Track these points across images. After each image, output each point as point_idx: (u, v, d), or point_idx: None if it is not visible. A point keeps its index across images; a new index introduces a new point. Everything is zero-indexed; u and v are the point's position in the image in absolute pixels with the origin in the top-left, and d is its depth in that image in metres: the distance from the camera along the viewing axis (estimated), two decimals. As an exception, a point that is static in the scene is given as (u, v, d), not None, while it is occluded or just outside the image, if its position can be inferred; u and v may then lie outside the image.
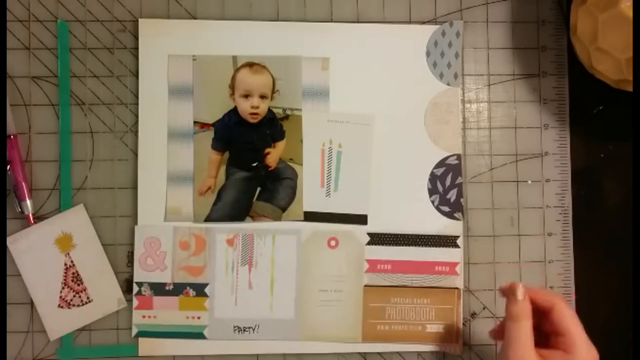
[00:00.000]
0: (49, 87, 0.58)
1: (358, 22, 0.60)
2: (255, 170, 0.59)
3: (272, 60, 0.59)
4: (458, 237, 0.59)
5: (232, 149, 0.59)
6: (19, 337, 0.57)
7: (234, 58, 0.58)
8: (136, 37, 0.58)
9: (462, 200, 0.60)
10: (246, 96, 0.58)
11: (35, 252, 0.57)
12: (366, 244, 0.59)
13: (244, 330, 0.58)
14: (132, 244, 0.58)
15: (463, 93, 0.61)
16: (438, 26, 0.60)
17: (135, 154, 0.58)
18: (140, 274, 0.58)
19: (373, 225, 0.59)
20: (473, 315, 0.60)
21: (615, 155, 0.61)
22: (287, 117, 0.59)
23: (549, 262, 0.60)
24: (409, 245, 0.59)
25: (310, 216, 0.59)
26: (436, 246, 0.59)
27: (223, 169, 0.59)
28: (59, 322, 0.57)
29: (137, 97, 0.58)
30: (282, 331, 0.58)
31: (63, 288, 0.57)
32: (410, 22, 0.60)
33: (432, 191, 0.60)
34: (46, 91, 0.58)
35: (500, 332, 0.51)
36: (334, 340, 0.59)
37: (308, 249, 0.59)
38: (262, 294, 0.58)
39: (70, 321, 0.57)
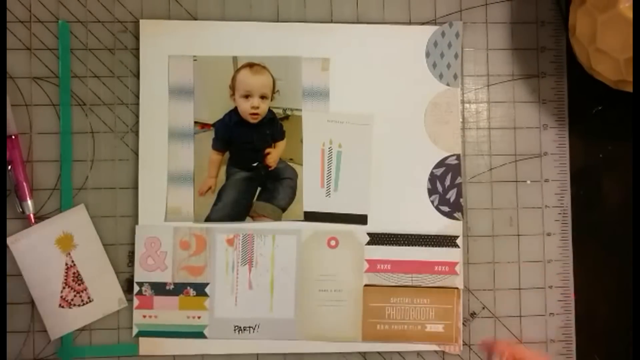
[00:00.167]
0: (50, 88, 0.58)
1: (358, 22, 0.60)
2: (255, 170, 0.59)
3: (273, 60, 0.59)
4: (458, 237, 0.59)
5: (232, 149, 0.59)
6: (19, 336, 0.57)
7: (235, 58, 0.59)
8: (137, 38, 0.58)
9: (461, 200, 0.60)
10: (246, 96, 0.58)
11: (36, 252, 0.57)
12: (366, 244, 0.59)
13: (244, 330, 0.58)
14: (132, 244, 0.58)
15: (462, 93, 0.61)
16: (438, 27, 0.60)
17: (136, 154, 0.58)
18: (140, 274, 0.58)
19: (373, 225, 0.59)
20: (473, 315, 0.60)
21: (615, 156, 0.61)
22: (287, 117, 0.59)
23: (548, 262, 0.60)
24: (409, 245, 0.59)
25: (310, 216, 0.59)
26: (436, 246, 0.59)
27: (223, 169, 0.59)
28: (60, 322, 0.57)
29: (137, 97, 0.58)
30: (282, 331, 0.58)
31: (64, 288, 0.57)
32: (410, 22, 0.60)
33: (431, 191, 0.60)
34: (47, 91, 0.58)
35: None
36: (334, 340, 0.59)
37: (308, 249, 0.59)
38: (262, 293, 0.58)
39: (71, 321, 0.57)
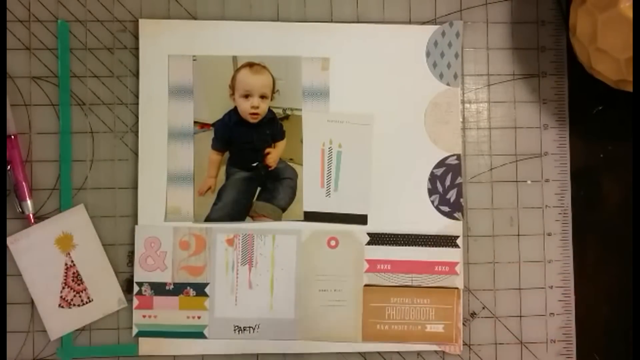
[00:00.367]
0: (49, 87, 0.58)
1: (358, 22, 0.60)
2: (255, 170, 0.59)
3: (272, 60, 0.59)
4: (458, 237, 0.59)
5: (232, 149, 0.59)
6: (19, 337, 0.57)
7: (234, 58, 0.58)
8: (136, 37, 0.58)
9: (461, 200, 0.60)
10: (246, 96, 0.58)
11: (35, 252, 0.57)
12: (366, 244, 0.59)
13: (244, 330, 0.58)
14: (132, 244, 0.58)
15: (463, 93, 0.61)
16: (438, 26, 0.60)
17: (136, 154, 0.58)
18: (140, 274, 0.58)
19: (373, 225, 0.59)
20: (473, 315, 0.60)
21: (615, 156, 0.61)
22: (287, 117, 0.59)
23: (549, 262, 0.60)
24: (409, 245, 0.59)
25: (310, 216, 0.59)
26: (436, 246, 0.59)
27: (223, 169, 0.59)
28: (60, 322, 0.57)
29: (137, 97, 0.58)
30: (282, 331, 0.58)
31: (63, 288, 0.57)
32: (410, 22, 0.60)
33: (432, 191, 0.60)
34: (46, 91, 0.58)
35: None
36: (334, 340, 0.59)
37: (308, 249, 0.59)
38: (262, 293, 0.58)
39: (71, 321, 0.57)
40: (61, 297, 0.57)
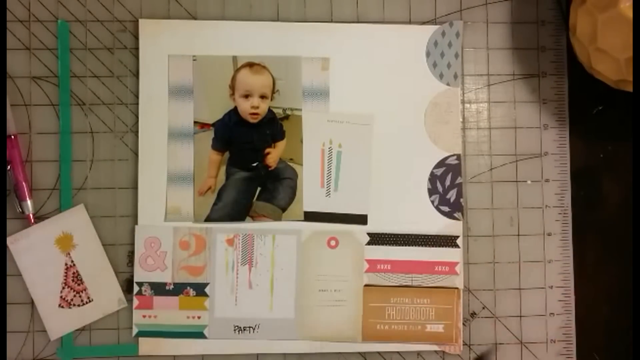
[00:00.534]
0: (49, 87, 0.58)
1: (358, 22, 0.60)
2: (255, 170, 0.59)
3: (272, 60, 0.59)
4: (458, 237, 0.59)
5: (232, 149, 0.59)
6: (19, 337, 0.57)
7: (234, 58, 0.58)
8: (136, 37, 0.58)
9: (461, 200, 0.60)
10: (246, 96, 0.58)
11: (35, 252, 0.57)
12: (366, 244, 0.59)
13: (244, 330, 0.58)
14: (132, 244, 0.58)
15: (463, 93, 0.61)
16: (438, 26, 0.60)
17: (136, 154, 0.58)
18: (140, 274, 0.58)
19: (373, 225, 0.59)
20: (473, 315, 0.60)
21: (615, 155, 0.61)
22: (287, 117, 0.59)
23: (549, 262, 0.60)
24: (409, 245, 0.59)
25: (310, 216, 0.59)
26: (436, 246, 0.59)
27: (223, 169, 0.59)
28: (60, 322, 0.57)
29: (137, 97, 0.58)
30: (282, 331, 0.58)
31: (63, 288, 0.57)
32: (410, 22, 0.60)
33: (432, 191, 0.60)
34: (46, 91, 0.58)
35: None
36: (334, 339, 0.59)
37: (308, 249, 0.59)
38: (262, 293, 0.58)
39: (71, 321, 0.57)
40: (61, 297, 0.57)
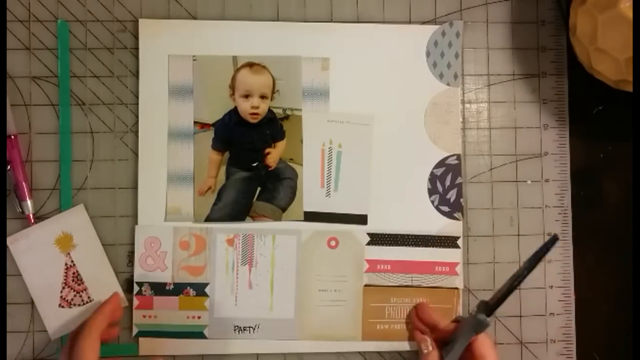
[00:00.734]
0: (49, 87, 0.58)
1: (358, 22, 0.60)
2: (255, 170, 0.59)
3: (272, 60, 0.59)
4: (458, 237, 0.59)
5: (232, 149, 0.59)
6: (19, 337, 0.57)
7: (234, 58, 0.58)
8: (136, 37, 0.58)
9: (461, 200, 0.60)
10: (246, 96, 0.58)
11: (35, 252, 0.57)
12: (366, 244, 0.59)
13: (244, 330, 0.58)
14: (132, 244, 0.58)
15: (463, 93, 0.61)
16: (438, 26, 0.60)
17: (136, 154, 0.58)
18: (140, 274, 0.58)
19: (373, 225, 0.59)
20: (473, 315, 0.60)
21: (615, 155, 0.61)
22: (287, 117, 0.59)
23: (549, 262, 0.60)
24: (409, 246, 0.59)
25: (310, 216, 0.59)
26: (436, 246, 0.59)
27: (223, 169, 0.59)
28: (60, 322, 0.57)
29: (137, 97, 0.58)
30: (282, 330, 0.58)
31: (63, 288, 0.57)
32: (410, 22, 0.60)
33: (432, 191, 0.60)
34: (46, 91, 0.58)
35: None
36: (333, 339, 0.59)
37: (308, 249, 0.59)
38: (262, 293, 0.58)
39: (71, 321, 0.57)
40: (61, 297, 0.57)
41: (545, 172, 0.61)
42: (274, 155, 0.59)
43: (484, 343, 0.52)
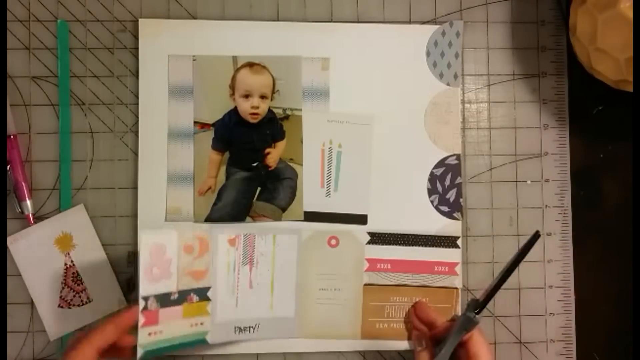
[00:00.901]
0: (49, 87, 0.58)
1: (358, 22, 0.60)
2: (255, 170, 0.59)
3: (272, 60, 0.59)
4: (458, 237, 0.59)
5: (232, 149, 0.59)
6: (19, 337, 0.57)
7: (234, 58, 0.58)
8: (136, 37, 0.58)
9: (461, 200, 0.60)
10: (246, 96, 0.58)
11: (35, 252, 0.57)
12: (366, 244, 0.59)
13: (244, 330, 0.58)
14: (132, 244, 0.58)
15: (463, 93, 0.61)
16: (438, 26, 0.60)
17: (136, 154, 0.58)
18: (146, 287, 0.52)
19: (373, 225, 0.59)
20: (473, 315, 0.60)
21: (615, 155, 0.61)
22: (287, 117, 0.59)
23: (548, 262, 0.60)
24: (409, 245, 0.59)
25: (310, 216, 0.59)
26: (435, 246, 0.59)
27: (223, 169, 0.59)
28: (59, 322, 0.57)
29: (137, 97, 0.58)
30: (282, 329, 0.58)
31: (63, 288, 0.57)
32: (410, 22, 0.60)
33: (431, 191, 0.60)
34: (46, 91, 0.58)
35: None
36: (333, 337, 0.59)
37: (309, 248, 0.59)
38: (263, 293, 0.58)
39: (71, 321, 0.57)
40: (61, 297, 0.57)
41: (545, 172, 0.61)
42: (274, 155, 0.59)
43: (477, 341, 0.52)
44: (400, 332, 0.59)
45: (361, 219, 0.59)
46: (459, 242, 0.59)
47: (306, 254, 0.59)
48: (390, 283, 0.59)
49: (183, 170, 0.58)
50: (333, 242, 0.59)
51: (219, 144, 0.58)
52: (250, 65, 0.58)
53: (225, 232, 0.57)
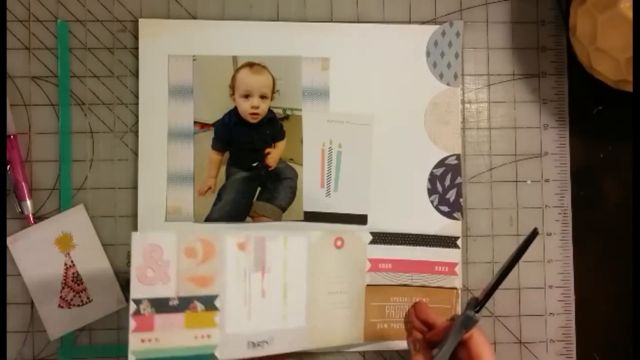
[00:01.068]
0: (49, 87, 0.58)
1: (358, 22, 0.60)
2: (255, 170, 0.59)
3: (272, 60, 0.59)
4: (458, 238, 0.59)
5: (232, 149, 0.59)
6: (19, 337, 0.57)
7: (234, 58, 0.58)
8: (136, 37, 0.58)
9: (461, 200, 0.60)
10: (246, 96, 0.58)
11: (35, 252, 0.57)
12: (369, 243, 0.59)
13: (258, 345, 0.53)
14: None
15: (463, 93, 0.61)
16: (438, 26, 0.60)
17: (136, 154, 0.58)
18: (137, 289, 0.49)
19: (373, 225, 0.59)
20: (473, 315, 0.60)
21: (615, 155, 0.61)
22: (287, 117, 0.59)
23: (548, 262, 0.60)
24: (410, 245, 0.59)
25: (310, 216, 0.59)
26: (435, 246, 0.59)
27: (223, 169, 0.59)
28: (59, 322, 0.57)
29: (137, 97, 0.58)
30: (295, 341, 0.55)
31: (63, 288, 0.57)
32: (410, 22, 0.60)
33: (431, 191, 0.60)
34: (46, 91, 0.58)
35: None
36: (338, 342, 0.58)
37: (318, 250, 0.57)
38: (276, 302, 0.54)
39: (71, 321, 0.57)
40: (61, 297, 0.57)
41: (545, 172, 0.61)
42: (274, 155, 0.59)
43: (479, 341, 0.52)
44: (400, 333, 0.59)
45: (361, 219, 0.59)
46: (459, 242, 0.59)
47: (314, 256, 0.56)
48: (391, 283, 0.59)
49: (183, 170, 0.58)
50: (339, 242, 0.58)
51: (219, 144, 0.58)
52: (250, 65, 0.58)
53: (232, 235, 0.52)
